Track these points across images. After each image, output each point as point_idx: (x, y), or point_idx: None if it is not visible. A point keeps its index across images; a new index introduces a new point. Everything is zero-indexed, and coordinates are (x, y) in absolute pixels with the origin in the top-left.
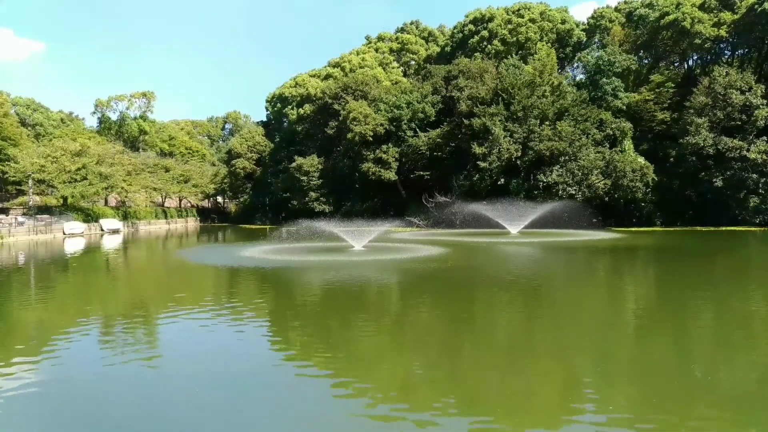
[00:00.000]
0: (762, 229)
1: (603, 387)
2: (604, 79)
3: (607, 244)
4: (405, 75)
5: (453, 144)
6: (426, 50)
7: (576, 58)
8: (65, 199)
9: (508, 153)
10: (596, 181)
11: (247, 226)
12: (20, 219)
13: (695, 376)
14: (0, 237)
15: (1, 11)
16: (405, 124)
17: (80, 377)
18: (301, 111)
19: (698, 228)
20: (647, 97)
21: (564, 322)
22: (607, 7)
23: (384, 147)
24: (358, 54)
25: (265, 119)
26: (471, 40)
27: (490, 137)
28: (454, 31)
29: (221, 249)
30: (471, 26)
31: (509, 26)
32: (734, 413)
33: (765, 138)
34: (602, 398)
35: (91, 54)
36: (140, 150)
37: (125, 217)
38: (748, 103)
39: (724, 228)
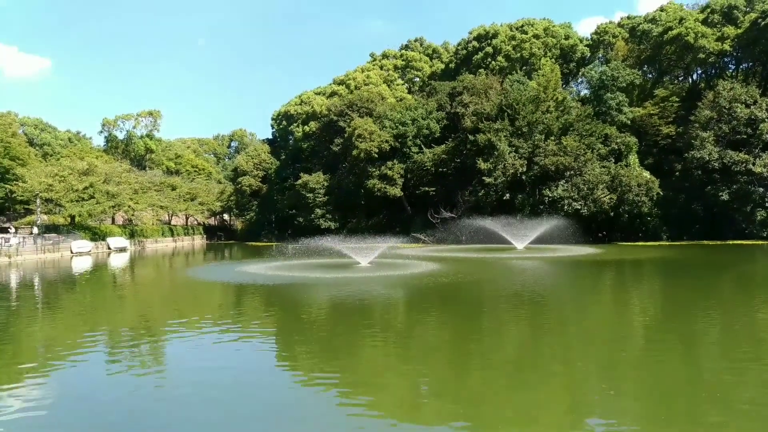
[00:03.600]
0: None
1: (610, 401)
2: (609, 94)
3: (613, 258)
4: (410, 92)
5: (458, 160)
6: (430, 67)
7: (580, 73)
8: (73, 217)
9: (513, 168)
10: (602, 195)
11: (254, 243)
12: (11, 230)
13: (704, 389)
14: (8, 256)
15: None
16: (410, 140)
17: (86, 393)
18: (307, 128)
19: (705, 242)
20: (652, 112)
21: (572, 336)
22: (611, 22)
23: (389, 163)
24: (363, 71)
25: (270, 137)
26: (475, 56)
27: (495, 153)
28: (459, 47)
29: (228, 266)
30: (475, 43)
31: (513, 42)
32: (744, 428)
33: None
34: (609, 412)
35: (97, 71)
36: (147, 168)
37: (132, 235)
38: (753, 117)
39: (730, 242)
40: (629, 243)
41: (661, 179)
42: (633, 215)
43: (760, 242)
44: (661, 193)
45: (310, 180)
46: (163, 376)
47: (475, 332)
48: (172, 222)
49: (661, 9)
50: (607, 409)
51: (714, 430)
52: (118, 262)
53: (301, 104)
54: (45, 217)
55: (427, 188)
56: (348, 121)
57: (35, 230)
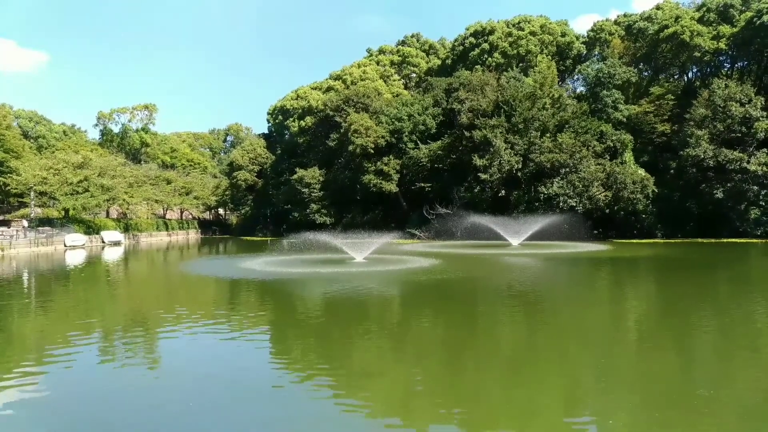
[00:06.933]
0: (763, 240)
1: (605, 401)
2: (604, 92)
3: (608, 256)
4: (406, 87)
5: (454, 156)
6: (427, 63)
7: (576, 70)
8: (67, 211)
9: (508, 165)
10: (597, 192)
11: (249, 238)
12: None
13: (698, 390)
14: (0, 249)
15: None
16: (406, 136)
17: (80, 389)
18: (303, 123)
19: (699, 240)
20: (647, 109)
21: (568, 333)
22: (607, 20)
23: (385, 159)
24: (359, 66)
25: (266, 131)
26: (472, 52)
27: (491, 149)
28: (455, 43)
29: (223, 261)
30: (471, 39)
31: (510, 39)
32: (738, 429)
33: (765, 150)
34: (605, 410)
35: (94, 65)
36: (142, 162)
37: (126, 229)
38: (747, 116)
39: (725, 240)
40: (624, 240)
41: (656, 177)
42: (628, 213)
43: (755, 240)
44: (656, 190)
45: (306, 175)
46: (157, 374)
47: (470, 329)
48: (167, 216)
49: (657, 7)
50: (602, 407)
51: (711, 429)
52: (112, 255)
53: (297, 99)
54: (39, 210)
55: (422, 184)
56: (344, 116)
57: (25, 223)
